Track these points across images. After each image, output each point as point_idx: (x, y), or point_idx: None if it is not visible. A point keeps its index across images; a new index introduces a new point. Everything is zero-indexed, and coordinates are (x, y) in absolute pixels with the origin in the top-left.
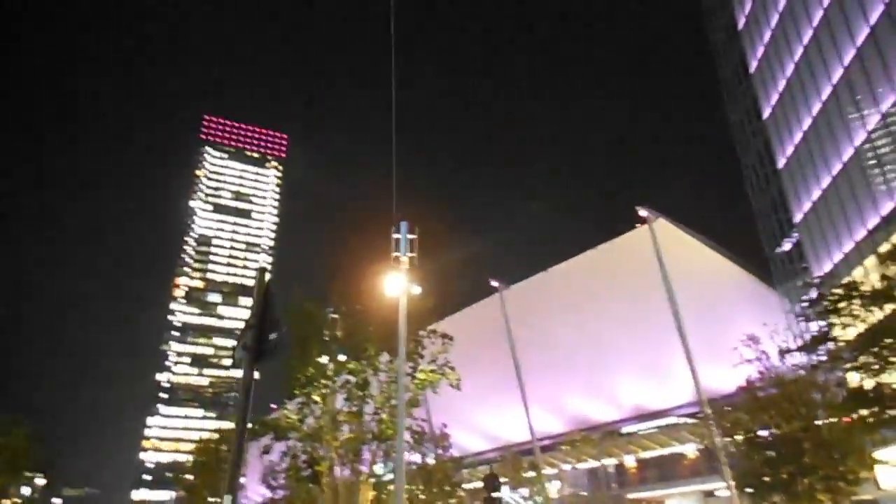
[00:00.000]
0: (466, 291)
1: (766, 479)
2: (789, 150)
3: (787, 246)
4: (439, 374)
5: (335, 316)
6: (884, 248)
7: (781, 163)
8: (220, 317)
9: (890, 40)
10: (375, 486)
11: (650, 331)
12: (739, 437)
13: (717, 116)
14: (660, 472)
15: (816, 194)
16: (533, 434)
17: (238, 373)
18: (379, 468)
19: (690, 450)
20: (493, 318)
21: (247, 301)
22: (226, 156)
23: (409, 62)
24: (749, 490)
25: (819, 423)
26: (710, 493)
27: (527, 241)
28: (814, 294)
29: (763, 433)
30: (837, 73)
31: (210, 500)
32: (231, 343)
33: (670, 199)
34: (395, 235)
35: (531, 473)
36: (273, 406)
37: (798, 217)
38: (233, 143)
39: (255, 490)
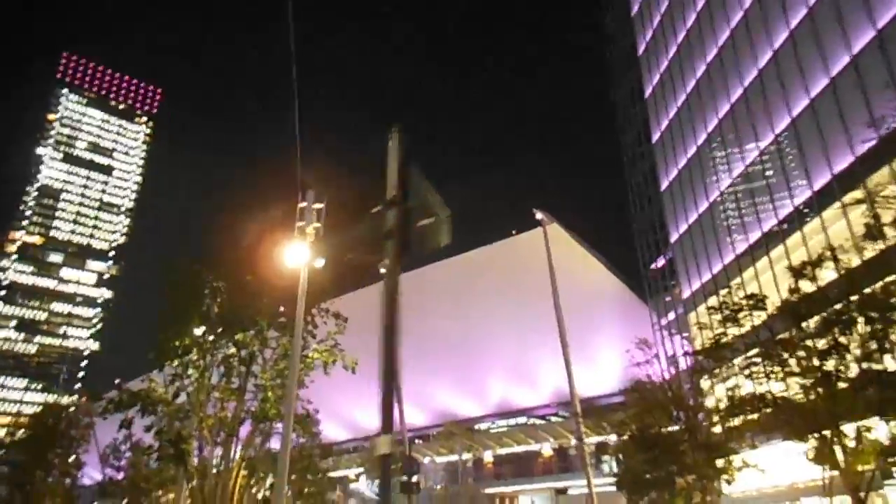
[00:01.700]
0: (349, 276)
1: (648, 476)
2: (672, 174)
3: (660, 263)
4: (335, 356)
5: (217, 284)
6: (750, 271)
7: (664, 185)
8: (61, 279)
9: (772, 85)
10: (247, 468)
11: (523, 331)
12: (624, 437)
13: (613, 138)
14: (516, 469)
15: (693, 217)
16: (404, 424)
17: (74, 343)
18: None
19: (546, 449)
20: (371, 305)
21: (95, 265)
22: (85, 101)
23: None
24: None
25: (700, 425)
26: (562, 491)
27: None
28: (706, 303)
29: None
30: (724, 108)
31: (47, 480)
32: (70, 309)
33: (563, 211)
34: (301, 203)
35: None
36: (117, 381)
37: (674, 237)
38: (95, 90)
39: (96, 468)
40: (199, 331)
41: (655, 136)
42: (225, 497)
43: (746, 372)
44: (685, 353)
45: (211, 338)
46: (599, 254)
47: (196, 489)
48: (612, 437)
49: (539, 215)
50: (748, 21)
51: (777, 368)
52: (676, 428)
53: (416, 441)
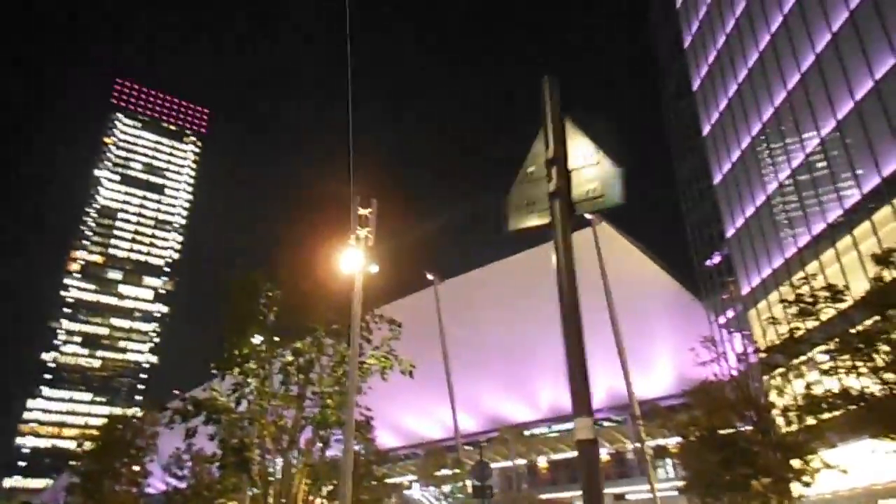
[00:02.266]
0: (400, 282)
1: (723, 479)
2: (726, 167)
3: (716, 259)
4: (391, 361)
5: (271, 294)
6: (815, 266)
7: (717, 179)
8: (120, 296)
9: (832, 69)
10: (310, 475)
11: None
12: (691, 438)
13: (660, 132)
14: (571, 474)
15: (750, 210)
16: (457, 430)
17: (134, 356)
18: (314, 457)
19: (602, 454)
20: (424, 311)
21: (151, 281)
22: (139, 125)
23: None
24: (687, 491)
25: (774, 424)
26: (620, 497)
27: (471, 235)
28: (788, 297)
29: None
30: (780, 97)
31: (115, 489)
32: (129, 324)
33: (611, 210)
34: (360, 211)
35: (447, 471)
36: (176, 392)
37: (730, 232)
38: (148, 113)
39: (159, 478)
40: (256, 340)
41: (706, 129)
42: (290, 501)
43: (826, 367)
44: (756, 350)
45: (267, 346)
46: (651, 252)
47: (259, 496)
48: (672, 441)
49: (588, 215)
50: (802, 3)
51: (860, 363)
52: (749, 428)
53: (466, 447)
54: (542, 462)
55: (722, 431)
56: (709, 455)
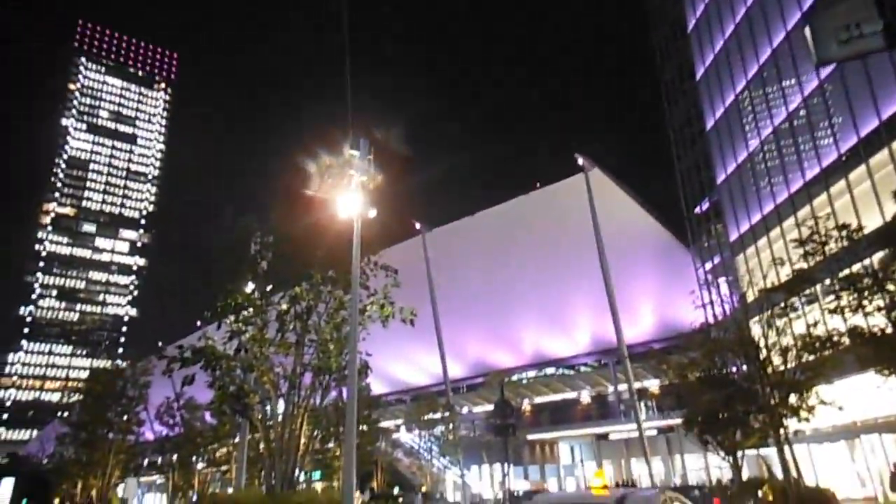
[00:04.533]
0: (387, 231)
1: (722, 416)
2: (719, 111)
3: (705, 206)
4: (391, 308)
5: (262, 240)
6: (806, 209)
7: (710, 124)
8: (96, 249)
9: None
10: (311, 420)
11: (558, 281)
12: (691, 379)
13: (650, 79)
14: (554, 416)
15: (742, 156)
16: (447, 377)
17: (113, 310)
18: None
19: (584, 396)
20: (410, 260)
21: (127, 234)
22: (104, 69)
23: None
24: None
25: (775, 364)
26: (603, 436)
27: (462, 185)
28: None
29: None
30: (778, 37)
31: (109, 438)
32: (106, 277)
33: (603, 156)
34: (351, 152)
35: (437, 415)
36: (160, 344)
37: (721, 177)
38: (113, 57)
39: (149, 427)
40: (249, 287)
41: (699, 73)
42: (290, 447)
43: (832, 306)
44: (763, 290)
45: (261, 293)
46: (641, 198)
47: (263, 439)
48: (652, 383)
49: (581, 160)
50: None
51: (866, 301)
52: (746, 368)
53: (450, 393)
54: (525, 405)
55: (723, 371)
56: (709, 394)
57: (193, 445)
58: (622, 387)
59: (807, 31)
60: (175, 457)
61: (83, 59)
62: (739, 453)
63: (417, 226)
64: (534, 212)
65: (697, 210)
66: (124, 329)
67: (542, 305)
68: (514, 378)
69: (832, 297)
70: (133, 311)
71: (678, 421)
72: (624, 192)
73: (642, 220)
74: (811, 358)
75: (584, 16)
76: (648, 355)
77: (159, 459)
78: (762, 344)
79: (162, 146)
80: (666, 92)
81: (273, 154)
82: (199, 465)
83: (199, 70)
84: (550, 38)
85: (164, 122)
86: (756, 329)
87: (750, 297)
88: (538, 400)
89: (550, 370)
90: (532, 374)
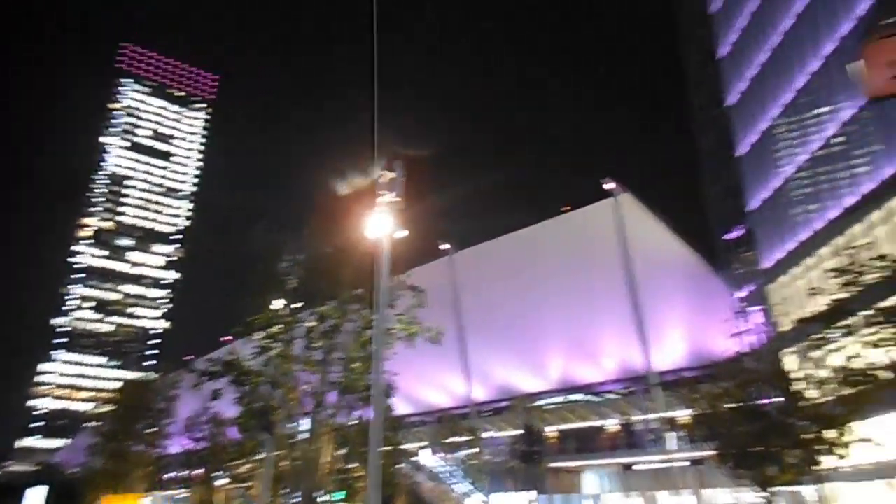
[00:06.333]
0: (414, 252)
1: (756, 450)
2: (753, 137)
3: (736, 233)
4: (417, 327)
5: (296, 257)
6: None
7: (744, 149)
8: (131, 262)
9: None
10: (336, 439)
11: (585, 307)
12: (722, 410)
13: (680, 104)
14: (579, 444)
15: (776, 183)
16: (472, 399)
17: (145, 322)
18: (341, 420)
19: (612, 424)
20: (436, 281)
21: (161, 248)
22: (146, 91)
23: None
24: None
25: (810, 397)
26: (628, 467)
27: (488, 206)
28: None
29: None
30: (813, 66)
31: (133, 448)
32: (140, 291)
33: (631, 180)
34: (383, 174)
35: (457, 439)
36: (190, 357)
37: (754, 204)
38: (155, 79)
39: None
40: (278, 304)
41: (732, 99)
42: (313, 465)
43: (874, 338)
44: (799, 321)
45: (287, 311)
46: (670, 223)
47: (285, 458)
48: (683, 413)
49: (609, 185)
50: None
51: None
52: (781, 400)
53: (473, 415)
54: (551, 431)
55: (756, 403)
56: (743, 426)
57: (218, 460)
58: (651, 415)
59: (856, 65)
60: (201, 471)
61: (125, 81)
62: (774, 489)
63: (445, 247)
64: (561, 235)
65: (728, 236)
66: (156, 342)
67: (569, 329)
68: (539, 403)
69: (872, 328)
70: (166, 324)
71: (709, 453)
72: (653, 217)
73: (671, 246)
74: (848, 392)
75: (615, 40)
76: (679, 384)
77: (184, 473)
78: (798, 376)
79: (198, 163)
80: (696, 117)
81: (306, 172)
82: (223, 481)
83: (237, 91)
84: (580, 60)
85: (201, 140)
86: (791, 360)
87: (783, 327)
88: (563, 427)
89: (576, 396)
90: (558, 399)
